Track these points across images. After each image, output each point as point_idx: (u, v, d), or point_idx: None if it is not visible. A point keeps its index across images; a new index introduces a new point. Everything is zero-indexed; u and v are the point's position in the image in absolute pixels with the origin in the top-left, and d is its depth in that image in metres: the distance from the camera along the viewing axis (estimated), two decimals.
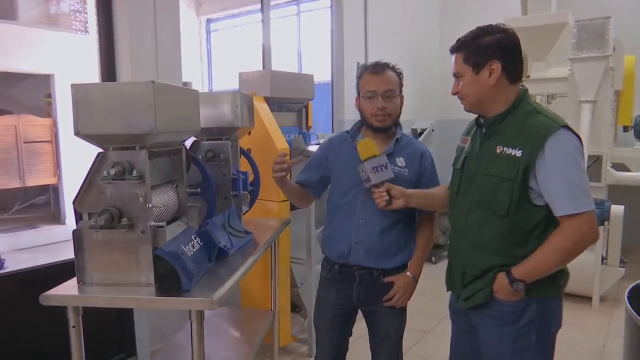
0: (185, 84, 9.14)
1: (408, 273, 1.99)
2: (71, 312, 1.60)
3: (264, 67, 3.87)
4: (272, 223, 2.70)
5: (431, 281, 2.78)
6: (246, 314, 2.92)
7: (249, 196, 2.61)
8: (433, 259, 5.00)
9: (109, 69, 2.81)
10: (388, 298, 1.97)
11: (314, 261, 3.00)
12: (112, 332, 2.85)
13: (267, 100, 2.99)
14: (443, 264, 4.83)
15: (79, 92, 1.54)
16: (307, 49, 7.70)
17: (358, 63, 4.25)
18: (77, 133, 1.56)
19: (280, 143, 2.82)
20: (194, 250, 1.74)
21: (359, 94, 2.01)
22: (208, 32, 9.31)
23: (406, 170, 1.96)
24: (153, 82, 1.51)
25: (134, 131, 1.54)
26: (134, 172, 1.57)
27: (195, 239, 1.81)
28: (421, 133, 5.09)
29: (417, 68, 5.83)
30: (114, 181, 1.58)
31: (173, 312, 2.77)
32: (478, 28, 1.61)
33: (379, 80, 1.93)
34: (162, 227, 1.62)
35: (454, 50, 1.65)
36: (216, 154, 2.29)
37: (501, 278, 1.59)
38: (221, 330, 2.76)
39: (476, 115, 1.73)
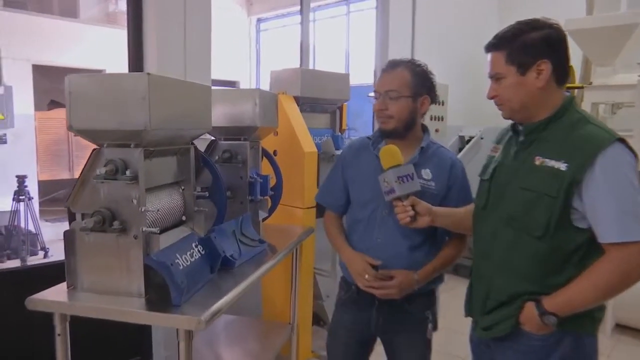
0: (233, 83, 9.19)
1: (415, 275, 1.73)
2: (58, 319, 1.50)
3: (301, 67, 3.72)
4: (295, 231, 2.53)
5: None
6: (265, 326, 2.77)
7: (270, 201, 2.45)
8: None
9: (136, 64, 2.74)
10: (374, 286, 1.71)
11: (339, 273, 2.80)
12: (131, 334, 2.78)
13: (298, 99, 2.82)
14: None
15: (73, 84, 1.44)
16: (355, 49, 7.51)
17: None
18: (70, 127, 1.46)
19: (308, 146, 2.65)
20: (192, 259, 1.59)
21: None
22: (258, 32, 9.30)
23: (433, 184, 1.74)
24: (148, 74, 1.38)
25: (127, 127, 1.42)
26: (127, 172, 1.44)
27: (196, 247, 1.66)
28: (469, 140, 4.79)
29: (468, 71, 5.50)
30: (107, 181, 1.46)
31: None
32: (520, 23, 1.41)
33: (384, 79, 1.77)
34: (155, 233, 1.48)
35: (491, 48, 1.44)
36: (233, 155, 2.14)
37: (529, 309, 1.38)
38: (237, 341, 2.62)
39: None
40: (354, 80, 3.24)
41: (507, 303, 1.43)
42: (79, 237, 1.52)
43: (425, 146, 1.78)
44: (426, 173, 1.75)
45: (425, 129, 1.84)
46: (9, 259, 5.93)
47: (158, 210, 1.55)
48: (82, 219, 1.52)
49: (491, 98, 1.47)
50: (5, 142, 6.36)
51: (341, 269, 1.97)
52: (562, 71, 1.39)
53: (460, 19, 5.47)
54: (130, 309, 1.42)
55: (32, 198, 6.16)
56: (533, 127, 1.41)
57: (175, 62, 2.73)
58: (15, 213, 5.97)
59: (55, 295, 1.52)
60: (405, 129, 1.77)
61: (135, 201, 1.46)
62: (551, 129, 1.38)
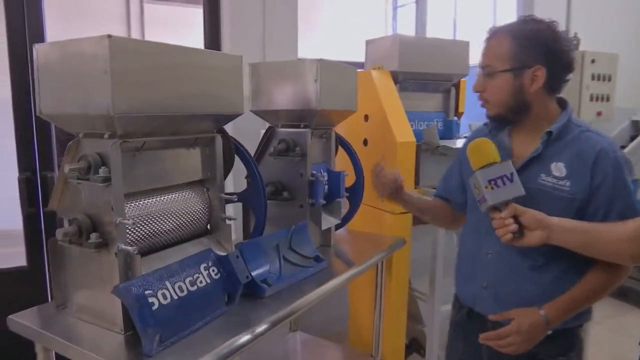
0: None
1: (541, 311, 1.21)
2: (40, 350, 1.23)
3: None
4: (382, 241, 2.01)
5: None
6: (347, 354, 2.31)
7: (348, 204, 1.96)
8: None
9: (213, 44, 2.45)
10: (490, 338, 1.24)
11: (439, 298, 2.20)
12: None
13: (396, 76, 2.25)
14: None
15: (41, 55, 1.12)
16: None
17: None
18: (39, 112, 1.14)
19: (403, 134, 2.08)
20: (193, 288, 1.19)
21: None
22: (395, 9, 8.65)
23: (567, 183, 1.22)
24: (110, 36, 0.99)
25: (90, 111, 1.05)
26: (101, 171, 1.09)
27: (206, 269, 1.26)
28: None
29: None
30: (82, 181, 1.12)
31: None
32: None
33: (483, 52, 1.31)
34: (132, 252, 1.11)
35: None
36: (290, 146, 1.70)
37: None
38: None
39: None
40: None
41: None
42: (66, 248, 1.23)
43: (556, 130, 1.23)
44: (557, 168, 1.24)
45: (564, 106, 1.29)
46: None
47: (134, 222, 1.17)
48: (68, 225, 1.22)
49: None
50: None
51: (455, 285, 1.52)
52: None
53: None
54: (90, 354, 1.07)
55: None
56: None
57: (250, 42, 2.38)
58: None
59: (38, 318, 1.25)
60: (514, 113, 1.28)
61: (115, 207, 1.11)
62: None
